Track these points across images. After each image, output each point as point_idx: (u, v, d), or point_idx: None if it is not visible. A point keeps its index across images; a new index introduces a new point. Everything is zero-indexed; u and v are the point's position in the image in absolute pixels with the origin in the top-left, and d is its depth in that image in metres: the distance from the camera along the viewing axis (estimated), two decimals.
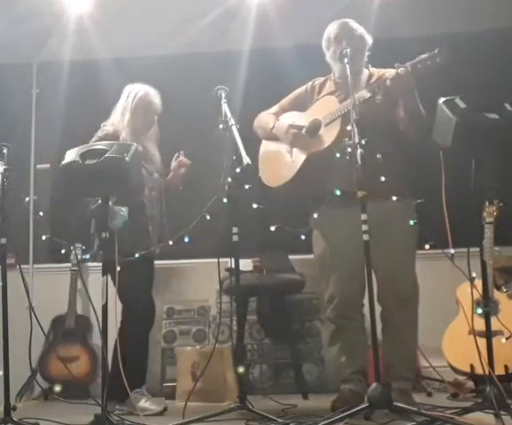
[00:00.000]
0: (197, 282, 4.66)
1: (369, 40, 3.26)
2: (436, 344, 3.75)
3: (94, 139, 3.41)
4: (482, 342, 2.71)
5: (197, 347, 4.23)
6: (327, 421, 2.54)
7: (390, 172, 2.82)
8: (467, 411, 2.64)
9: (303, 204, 3.36)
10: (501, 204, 3.29)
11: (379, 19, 4.19)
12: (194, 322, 4.58)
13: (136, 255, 3.17)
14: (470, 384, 3.61)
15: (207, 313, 4.59)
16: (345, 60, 2.97)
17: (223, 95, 3.13)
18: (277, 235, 3.29)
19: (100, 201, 2.89)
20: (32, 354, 3.10)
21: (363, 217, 2.64)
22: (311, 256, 3.38)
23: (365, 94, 3.05)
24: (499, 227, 3.32)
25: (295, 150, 3.26)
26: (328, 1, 4.02)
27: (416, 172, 3.30)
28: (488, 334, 2.71)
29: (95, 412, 2.68)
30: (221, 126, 3.03)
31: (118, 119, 3.56)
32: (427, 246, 2.92)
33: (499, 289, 3.82)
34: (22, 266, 3.08)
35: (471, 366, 3.49)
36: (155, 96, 3.60)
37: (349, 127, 2.76)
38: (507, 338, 3.48)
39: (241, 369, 2.97)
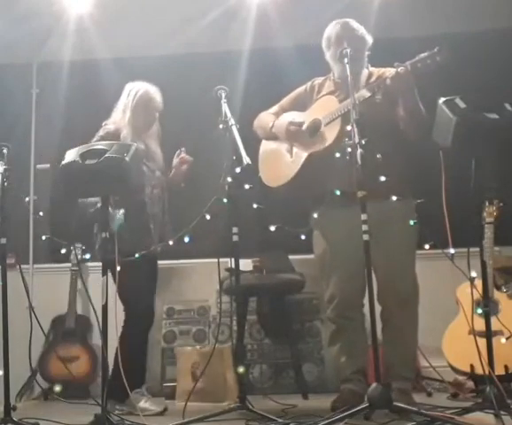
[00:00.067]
0: (197, 282, 4.66)
1: (370, 40, 3.26)
2: (436, 344, 3.75)
3: (95, 138, 3.41)
4: (482, 342, 2.71)
5: (197, 347, 4.22)
6: (327, 421, 2.53)
7: (390, 172, 2.82)
8: (467, 411, 2.64)
9: (303, 204, 3.35)
10: (501, 204, 3.30)
11: (379, 19, 4.19)
12: (194, 322, 4.58)
13: (136, 255, 3.16)
14: (470, 384, 3.61)
15: (207, 313, 4.59)
16: (345, 60, 2.97)
17: (223, 95, 3.13)
18: (277, 235, 3.29)
19: (99, 204, 2.88)
20: (32, 354, 3.10)
21: (363, 217, 2.64)
22: (311, 256, 3.38)
23: (365, 93, 3.06)
24: (499, 227, 3.32)
25: (295, 149, 3.26)
26: (328, 1, 4.02)
27: (416, 172, 3.29)
28: (488, 334, 2.71)
29: (95, 412, 2.68)
30: (221, 126, 3.03)
31: (119, 118, 3.56)
32: (427, 246, 2.92)
33: (499, 289, 3.82)
34: (22, 266, 3.08)
35: (471, 366, 3.49)
36: (156, 94, 3.60)
37: (349, 127, 2.76)
38: (507, 338, 3.48)
39: (241, 369, 2.97)
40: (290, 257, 4.39)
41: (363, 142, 2.66)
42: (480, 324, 2.76)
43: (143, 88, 3.58)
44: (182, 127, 4.39)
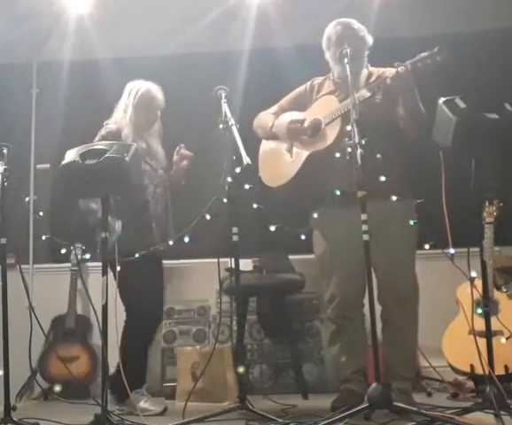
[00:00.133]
0: (197, 282, 4.66)
1: (370, 40, 3.26)
2: (436, 344, 3.75)
3: (97, 138, 3.41)
4: (482, 342, 2.70)
5: (197, 347, 4.22)
6: (327, 421, 2.53)
7: (390, 172, 2.82)
8: (467, 411, 2.64)
9: (303, 204, 3.35)
10: (501, 204, 3.30)
11: (379, 19, 4.19)
12: (194, 322, 4.58)
13: (136, 255, 3.16)
14: (470, 384, 3.61)
15: (207, 313, 4.59)
16: (345, 60, 2.97)
17: (223, 95, 3.13)
18: (277, 235, 3.29)
19: (99, 214, 2.87)
20: (32, 354, 3.10)
21: (363, 217, 2.64)
22: (311, 256, 3.38)
23: (365, 93, 3.06)
24: (499, 227, 3.33)
25: (295, 149, 3.26)
26: (328, 1, 4.02)
27: (416, 172, 3.29)
28: (488, 334, 2.71)
29: (95, 412, 2.68)
30: (221, 126, 3.03)
31: (120, 117, 3.55)
32: (427, 246, 2.92)
33: (499, 289, 3.82)
34: (22, 266, 3.08)
35: (471, 366, 3.49)
36: (157, 92, 3.59)
37: (349, 127, 2.76)
38: (507, 338, 3.48)
39: (241, 369, 2.97)
40: (290, 257, 4.39)
41: (363, 142, 2.66)
42: (480, 324, 2.76)
43: (144, 86, 3.58)
44: (182, 127, 4.39)
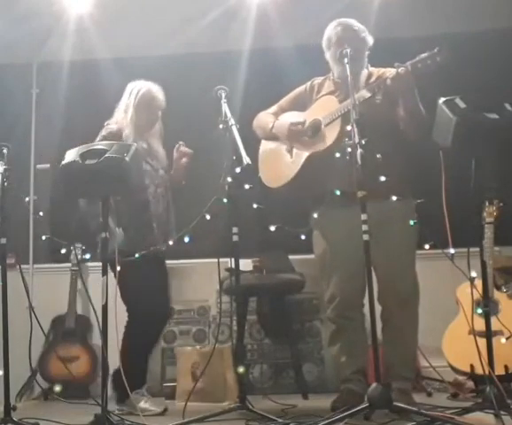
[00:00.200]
0: (197, 282, 4.66)
1: (370, 41, 3.26)
2: (436, 344, 3.75)
3: (98, 138, 3.41)
4: (482, 342, 2.70)
5: (197, 347, 4.22)
6: (327, 421, 2.53)
7: (390, 172, 2.82)
8: (467, 411, 2.64)
9: (303, 204, 3.35)
10: (501, 204, 3.30)
11: (379, 19, 4.19)
12: (194, 322, 4.58)
13: (136, 255, 3.16)
14: (470, 384, 3.61)
15: (207, 313, 4.60)
16: (345, 60, 2.97)
17: (223, 95, 3.13)
18: (277, 235, 3.28)
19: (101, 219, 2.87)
20: (32, 354, 3.10)
21: (363, 217, 2.64)
22: (311, 256, 3.38)
23: (365, 94, 3.05)
24: (499, 227, 3.32)
25: (295, 150, 3.26)
26: (328, 1, 4.02)
27: (416, 172, 3.29)
28: (488, 334, 2.71)
29: (95, 412, 2.68)
30: (221, 126, 3.03)
31: (121, 117, 3.54)
32: (427, 246, 2.92)
33: (499, 289, 3.82)
34: (22, 266, 3.08)
35: (471, 366, 3.49)
36: (158, 92, 3.58)
37: (349, 127, 2.76)
38: (507, 338, 3.48)
39: (241, 369, 2.97)
40: (290, 257, 4.39)
41: (363, 142, 2.66)
42: (480, 324, 2.76)
43: (145, 86, 3.57)
44: (182, 127, 4.38)
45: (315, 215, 3.24)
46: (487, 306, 2.77)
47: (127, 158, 2.78)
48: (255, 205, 3.18)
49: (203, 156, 3.66)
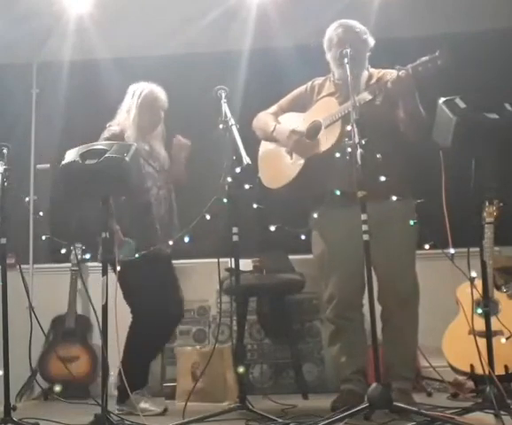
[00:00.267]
0: (197, 282, 4.65)
1: (371, 42, 3.25)
2: (436, 344, 3.75)
3: (100, 140, 3.39)
4: (482, 342, 2.70)
5: (197, 347, 4.22)
6: (327, 421, 2.53)
7: (390, 172, 2.82)
8: (467, 411, 2.64)
9: (303, 205, 3.35)
10: (501, 204, 3.29)
11: (379, 19, 4.18)
12: (194, 322, 4.58)
13: (136, 255, 3.16)
14: (470, 384, 3.61)
15: (207, 313, 4.60)
16: (345, 60, 2.97)
17: (223, 95, 3.13)
18: (277, 235, 3.28)
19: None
20: (32, 354, 3.10)
21: (363, 217, 2.64)
22: (311, 256, 3.38)
23: (366, 96, 3.04)
24: (499, 227, 3.32)
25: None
26: (328, 1, 4.02)
27: (416, 172, 3.30)
28: (488, 334, 2.71)
29: (95, 412, 2.68)
30: (221, 126, 3.03)
31: (123, 118, 3.54)
32: (427, 246, 2.92)
33: (499, 289, 3.82)
34: (22, 266, 3.08)
35: (471, 366, 3.49)
36: (161, 93, 3.58)
37: (349, 127, 2.76)
38: (507, 338, 3.48)
39: (241, 369, 2.97)
40: (290, 257, 4.39)
41: (363, 142, 2.66)
42: (480, 324, 2.76)
43: (147, 88, 3.57)
44: (182, 127, 4.37)
45: (315, 215, 3.23)
46: (487, 306, 2.77)
47: (127, 158, 2.78)
48: (255, 205, 3.18)
49: (203, 156, 3.66)
